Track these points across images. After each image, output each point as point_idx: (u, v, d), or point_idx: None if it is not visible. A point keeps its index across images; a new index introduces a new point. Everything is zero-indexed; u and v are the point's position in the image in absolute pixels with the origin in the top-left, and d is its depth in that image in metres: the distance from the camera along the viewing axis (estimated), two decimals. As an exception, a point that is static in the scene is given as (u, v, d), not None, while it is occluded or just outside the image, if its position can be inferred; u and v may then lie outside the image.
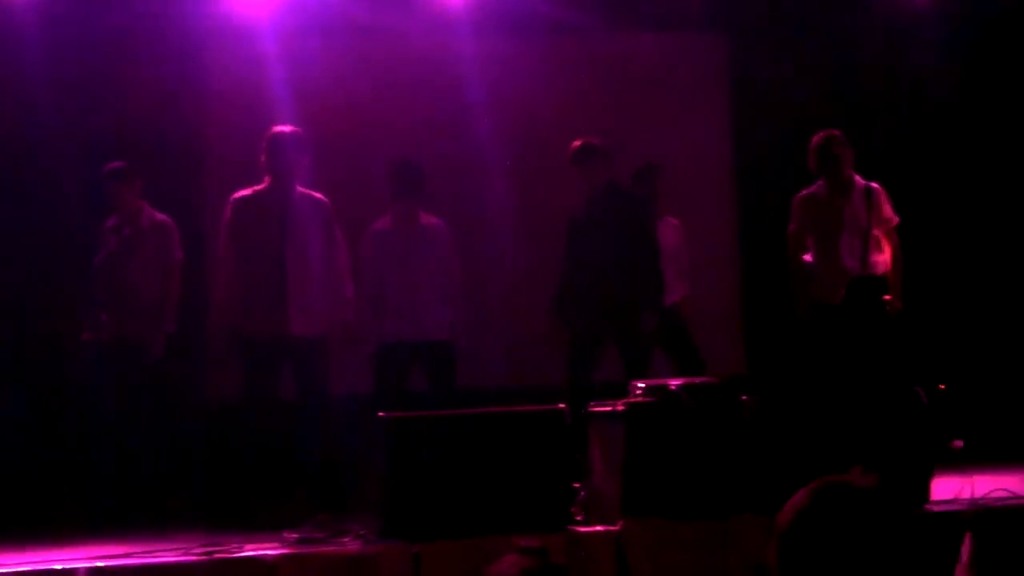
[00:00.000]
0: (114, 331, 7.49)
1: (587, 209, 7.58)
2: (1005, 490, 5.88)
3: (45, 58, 8.28)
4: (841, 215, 7.26)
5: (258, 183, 7.09)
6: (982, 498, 5.75)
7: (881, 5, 9.33)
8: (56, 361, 8.18)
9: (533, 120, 8.96)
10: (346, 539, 5.46)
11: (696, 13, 9.29)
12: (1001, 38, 9.18)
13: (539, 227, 8.55)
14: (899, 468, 5.59)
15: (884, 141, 8.89)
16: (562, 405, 5.71)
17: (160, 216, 7.65)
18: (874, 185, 7.31)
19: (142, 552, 5.36)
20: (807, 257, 7.41)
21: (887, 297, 7.16)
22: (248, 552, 5.27)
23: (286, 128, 7.12)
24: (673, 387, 5.73)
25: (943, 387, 6.19)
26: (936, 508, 5.67)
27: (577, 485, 5.82)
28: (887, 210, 7.31)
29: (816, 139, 7.30)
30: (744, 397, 5.80)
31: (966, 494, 5.77)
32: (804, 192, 7.43)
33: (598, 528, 5.51)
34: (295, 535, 5.52)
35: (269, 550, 5.27)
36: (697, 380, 5.95)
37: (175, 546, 5.48)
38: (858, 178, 7.33)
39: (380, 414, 5.55)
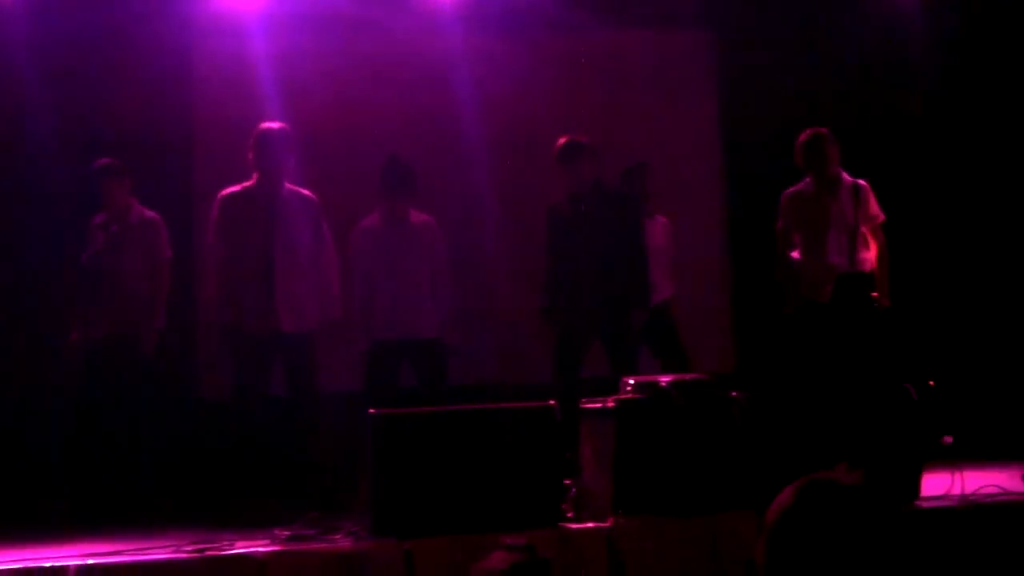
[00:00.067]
0: (103, 329, 7.47)
1: (573, 207, 7.57)
2: (995, 486, 5.90)
3: (33, 54, 8.26)
4: (828, 212, 7.28)
5: (247, 180, 7.10)
6: (972, 494, 5.77)
7: (869, 1, 9.35)
8: (45, 359, 8.16)
9: (522, 117, 8.96)
10: (337, 536, 5.44)
11: (685, 10, 9.30)
12: (989, 34, 9.21)
13: (529, 224, 8.54)
14: (888, 464, 5.61)
15: (872, 138, 8.91)
16: (552, 402, 5.71)
17: (149, 213, 7.64)
18: (861, 182, 7.33)
19: (132, 550, 5.35)
20: (794, 254, 7.43)
21: (874, 294, 7.18)
22: (239, 549, 5.25)
23: (274, 125, 7.12)
24: (663, 384, 5.73)
25: (932, 383, 6.21)
26: (926, 504, 5.68)
27: (568, 482, 5.82)
28: (874, 207, 7.33)
29: (803, 136, 7.33)
30: (734, 394, 5.81)
31: (956, 490, 5.78)
32: (791, 189, 7.45)
33: (589, 525, 5.51)
34: (286, 532, 5.51)
35: (260, 547, 5.26)
36: (687, 377, 5.95)
37: (166, 543, 5.46)
38: (845, 175, 7.34)
39: (370, 411, 5.54)
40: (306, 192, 7.18)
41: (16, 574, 5.01)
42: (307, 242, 7.09)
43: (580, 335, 7.50)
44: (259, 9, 8.71)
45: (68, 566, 5.02)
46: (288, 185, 7.12)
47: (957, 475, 5.80)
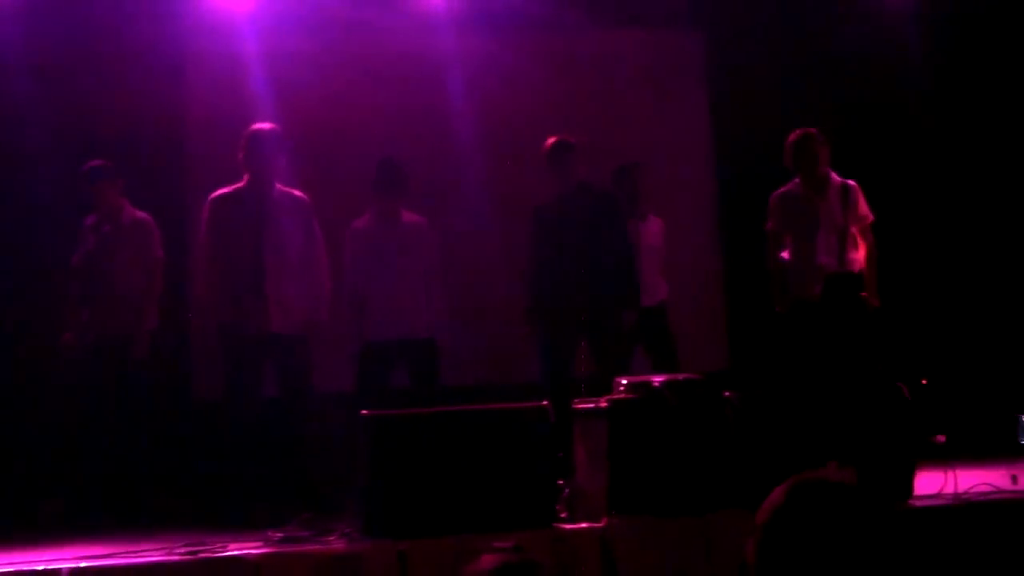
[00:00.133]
0: (96, 330, 7.47)
1: (561, 207, 7.56)
2: (988, 484, 5.90)
3: (25, 55, 8.25)
4: (817, 213, 7.29)
5: (238, 181, 7.09)
6: (965, 493, 5.77)
7: (860, 0, 9.36)
8: (37, 361, 8.14)
9: (514, 117, 8.96)
10: (331, 538, 5.44)
11: (676, 10, 9.30)
12: (981, 33, 9.22)
13: (522, 224, 8.53)
14: (879, 463, 5.61)
15: (864, 137, 8.92)
16: (546, 402, 5.70)
17: (140, 214, 7.63)
18: (850, 182, 7.34)
19: (125, 552, 5.34)
20: (784, 254, 7.43)
21: (863, 294, 7.19)
22: (232, 551, 5.24)
23: (264, 126, 7.12)
24: (656, 384, 5.73)
25: (925, 382, 6.21)
26: (919, 503, 5.69)
27: (561, 482, 5.81)
28: (863, 207, 7.34)
29: (792, 137, 7.34)
30: (727, 393, 5.81)
31: (949, 489, 5.78)
32: (781, 190, 7.47)
33: (583, 525, 5.51)
34: (279, 534, 5.50)
35: (253, 549, 5.25)
36: (680, 377, 5.95)
37: (158, 545, 5.46)
38: (834, 175, 7.36)
39: (363, 412, 5.54)
40: (297, 193, 7.18)
41: (9, 577, 5.01)
42: (298, 243, 7.08)
43: (567, 335, 7.49)
44: (251, 10, 8.71)
45: (61, 568, 5.00)
46: (279, 186, 7.11)
47: (950, 474, 5.80)
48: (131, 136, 8.38)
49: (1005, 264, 9.19)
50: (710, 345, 9.17)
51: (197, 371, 8.66)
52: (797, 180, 7.40)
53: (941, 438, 6.20)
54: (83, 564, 5.05)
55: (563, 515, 5.69)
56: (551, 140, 7.57)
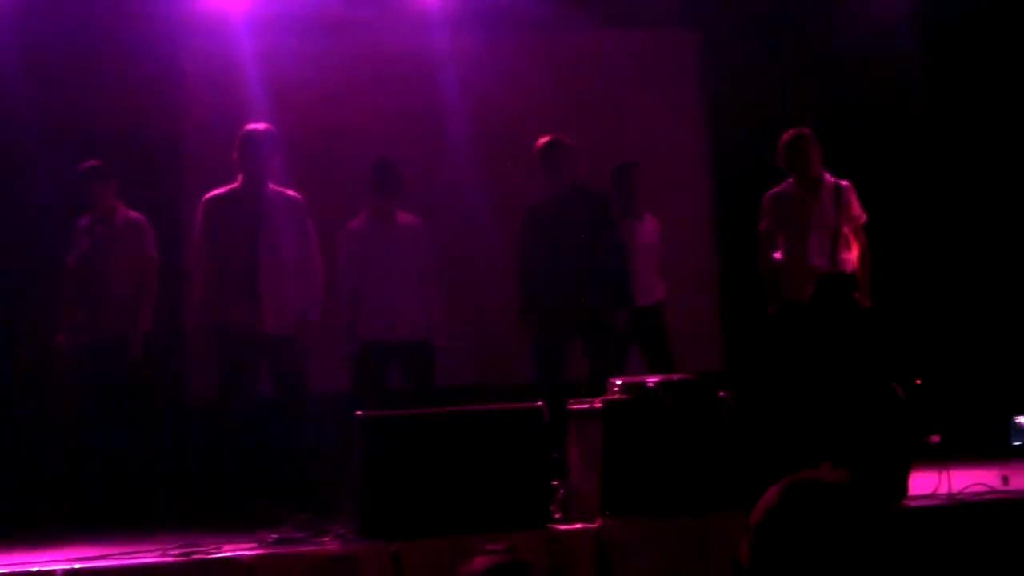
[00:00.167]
0: (90, 331, 7.46)
1: (553, 207, 7.56)
2: (982, 484, 5.91)
3: (19, 55, 8.24)
4: (810, 213, 7.29)
5: (233, 181, 7.09)
6: (959, 493, 5.77)
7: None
8: (31, 362, 8.13)
9: (509, 117, 8.94)
10: (325, 539, 5.42)
11: (671, 10, 9.30)
12: (977, 32, 9.22)
13: (517, 224, 8.54)
14: (873, 463, 5.61)
15: (859, 137, 8.92)
16: (540, 403, 5.70)
17: (134, 214, 7.63)
18: (843, 183, 7.35)
19: (120, 553, 5.33)
20: (777, 254, 7.43)
21: (855, 294, 7.19)
22: (226, 553, 5.23)
23: (258, 126, 7.12)
24: (650, 384, 5.72)
25: (919, 382, 6.21)
26: (914, 503, 5.69)
27: (556, 483, 5.81)
28: (856, 208, 7.35)
29: (785, 137, 7.35)
30: (722, 393, 5.80)
31: (943, 489, 5.79)
32: (774, 190, 7.47)
33: (577, 526, 5.50)
34: (274, 535, 5.48)
35: (247, 550, 5.23)
36: (675, 377, 5.95)
37: (153, 547, 5.44)
38: (827, 175, 7.36)
39: (358, 413, 5.53)
40: (291, 192, 7.18)
41: (3, 578, 5.01)
42: (292, 243, 7.08)
43: (560, 336, 7.49)
44: (247, 10, 8.70)
45: (55, 570, 5.00)
46: (273, 186, 7.11)
47: (944, 474, 5.81)
48: (127, 136, 8.37)
49: (1001, 265, 9.19)
50: (705, 345, 9.17)
51: (192, 372, 8.65)
52: (790, 180, 7.40)
53: (935, 438, 6.20)
54: (77, 565, 5.04)
55: (558, 516, 5.67)
56: (544, 139, 7.56)
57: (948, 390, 8.31)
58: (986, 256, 9.21)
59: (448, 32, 8.94)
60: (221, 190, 7.08)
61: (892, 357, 7.70)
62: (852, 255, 7.30)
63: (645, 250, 8.17)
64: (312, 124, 8.65)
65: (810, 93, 9.01)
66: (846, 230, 7.30)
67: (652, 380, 5.77)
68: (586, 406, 5.76)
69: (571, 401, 5.94)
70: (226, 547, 5.33)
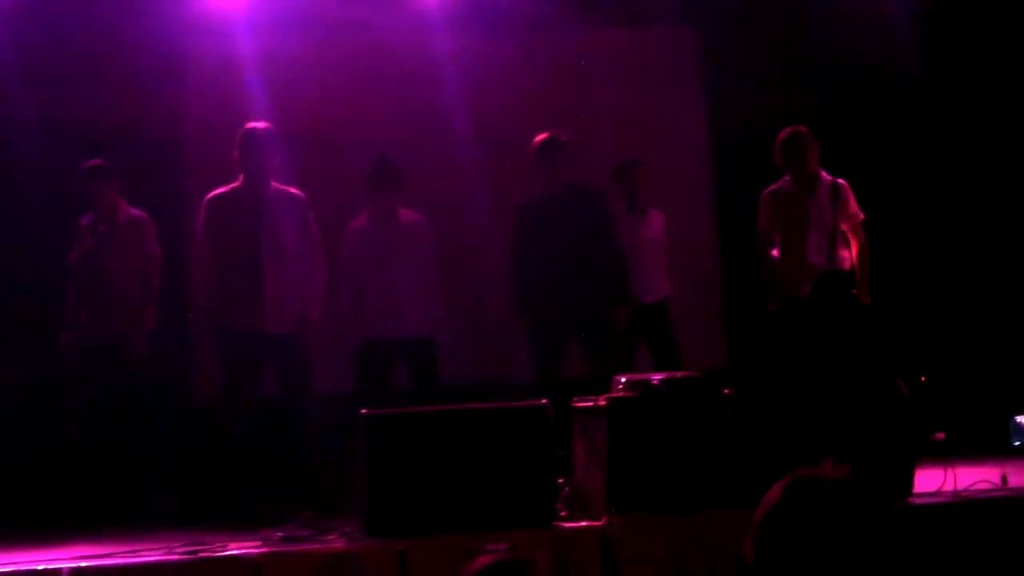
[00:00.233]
0: (93, 330, 7.46)
1: (550, 205, 7.55)
2: (987, 481, 5.90)
3: (20, 55, 8.23)
4: (807, 211, 7.29)
5: (234, 180, 7.09)
6: (965, 490, 5.77)
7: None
8: (35, 361, 8.13)
9: (509, 115, 8.94)
10: (331, 537, 5.43)
11: (670, 8, 9.29)
12: (974, 30, 9.21)
13: (512, 223, 8.55)
14: (879, 460, 5.60)
15: (858, 135, 8.92)
16: (545, 400, 5.70)
17: (136, 212, 7.63)
18: (840, 181, 7.35)
19: (125, 551, 5.34)
20: (775, 252, 7.44)
21: (854, 291, 7.19)
22: (232, 551, 5.24)
23: (259, 124, 7.12)
24: (655, 382, 5.73)
25: (924, 379, 6.21)
26: (919, 501, 5.68)
27: (561, 481, 5.81)
28: (853, 206, 7.35)
29: (782, 135, 7.35)
30: (726, 390, 5.80)
31: (949, 486, 5.78)
32: (771, 187, 7.47)
33: (583, 524, 5.51)
34: (279, 533, 5.50)
35: (253, 549, 5.25)
36: (679, 375, 5.96)
37: (158, 545, 5.46)
38: (824, 174, 7.36)
39: (362, 411, 5.53)
40: (293, 190, 7.18)
41: (9, 577, 5.01)
42: (295, 241, 7.07)
43: (557, 334, 7.49)
44: (247, 9, 8.70)
45: (62, 568, 5.01)
46: (276, 184, 7.11)
47: (950, 471, 5.80)
48: (129, 136, 8.36)
49: (1000, 264, 9.18)
50: (708, 342, 9.16)
51: (196, 370, 8.66)
52: (787, 178, 7.41)
53: (941, 435, 6.19)
54: (83, 564, 5.06)
55: (563, 514, 5.68)
56: (541, 136, 7.56)
57: (948, 389, 8.29)
58: (986, 255, 9.20)
59: (448, 32, 8.93)
60: (223, 189, 7.08)
61: (892, 355, 7.69)
62: (849, 253, 7.31)
63: (650, 246, 8.15)
64: (313, 123, 8.64)
65: (811, 91, 8.99)
66: (843, 228, 7.31)
67: (657, 378, 5.78)
68: (591, 404, 5.77)
69: (576, 399, 5.94)
70: (231, 545, 5.34)
